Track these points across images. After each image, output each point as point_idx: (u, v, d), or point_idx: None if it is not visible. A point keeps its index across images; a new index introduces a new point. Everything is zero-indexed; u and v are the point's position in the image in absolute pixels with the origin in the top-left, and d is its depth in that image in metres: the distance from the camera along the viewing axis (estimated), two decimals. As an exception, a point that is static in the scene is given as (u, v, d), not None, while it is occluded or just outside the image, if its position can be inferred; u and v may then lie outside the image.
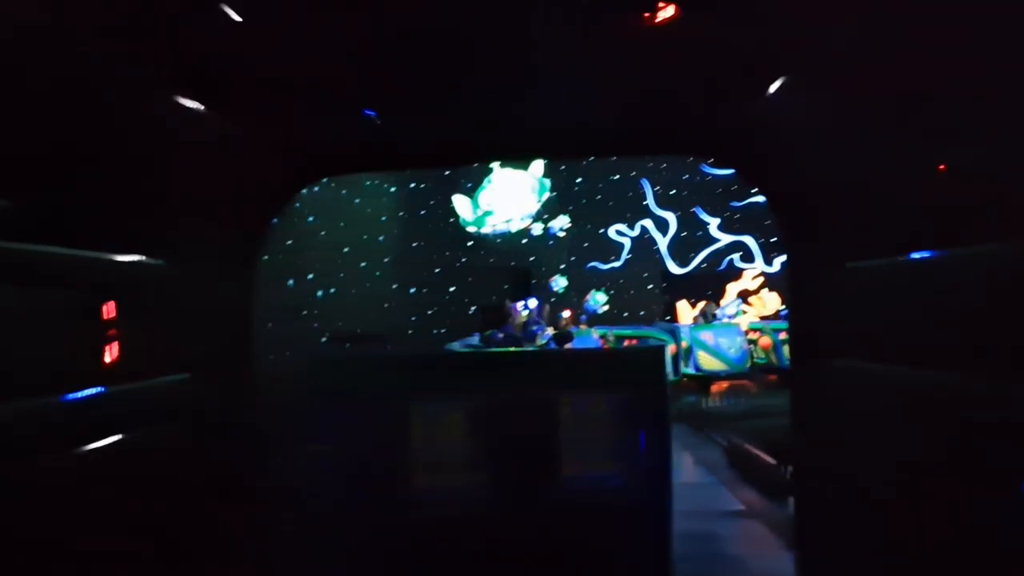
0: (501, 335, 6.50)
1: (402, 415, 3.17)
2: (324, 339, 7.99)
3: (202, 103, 2.39)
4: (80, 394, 2.16)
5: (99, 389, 2.23)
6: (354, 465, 3.17)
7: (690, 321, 15.42)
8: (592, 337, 12.16)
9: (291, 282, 7.54)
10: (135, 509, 2.31)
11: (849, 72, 2.12)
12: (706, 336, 12.93)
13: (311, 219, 8.44)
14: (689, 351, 12.78)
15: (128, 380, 2.35)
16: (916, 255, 2.11)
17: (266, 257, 7.24)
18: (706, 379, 12.82)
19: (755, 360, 13.17)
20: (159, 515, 2.45)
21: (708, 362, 12.76)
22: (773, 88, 2.37)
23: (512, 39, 2.23)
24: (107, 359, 2.34)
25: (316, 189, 8.68)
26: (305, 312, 8.10)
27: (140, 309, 2.44)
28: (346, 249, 9.87)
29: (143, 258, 2.52)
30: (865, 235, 2.38)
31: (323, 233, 8.76)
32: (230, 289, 3.11)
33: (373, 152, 3.38)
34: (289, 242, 7.54)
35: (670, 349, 12.62)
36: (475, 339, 7.72)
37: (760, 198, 12.76)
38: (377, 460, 3.18)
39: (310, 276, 8.21)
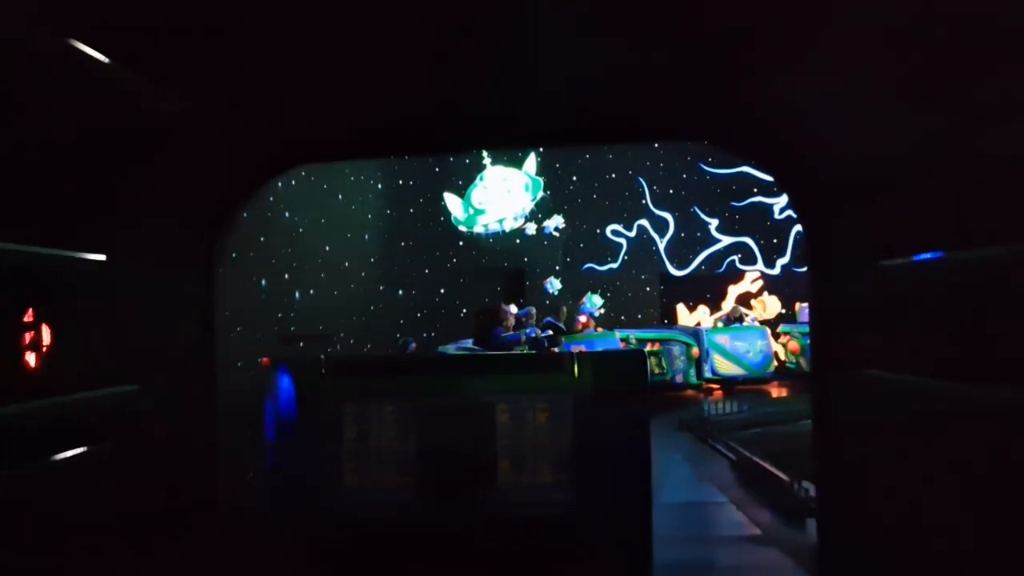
0: (497, 338, 6.11)
1: (336, 418, 3.10)
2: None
3: (152, 80, 2.17)
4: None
5: (20, 405, 2.07)
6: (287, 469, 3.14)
7: (699, 323, 15.21)
8: (615, 339, 11.67)
9: (264, 283, 6.93)
10: (61, 547, 2.11)
11: (880, 54, 1.96)
12: (722, 339, 12.55)
13: (287, 215, 7.83)
14: (707, 355, 12.45)
15: (56, 393, 2.20)
16: (958, 253, 1.95)
17: (233, 255, 6.65)
18: (724, 384, 12.42)
19: (786, 365, 12.63)
20: (87, 555, 2.22)
21: (724, 366, 12.37)
22: (794, 72, 2.22)
23: (508, 8, 2.02)
24: (29, 369, 2.14)
25: (293, 183, 8.09)
26: (281, 315, 7.48)
27: (73, 312, 2.25)
28: (328, 248, 9.28)
29: (79, 254, 2.37)
30: (899, 231, 2.23)
31: (301, 230, 8.16)
32: (186, 290, 2.93)
33: (349, 138, 3.19)
34: (262, 239, 6.93)
35: (693, 352, 12.21)
36: (469, 342, 7.32)
37: (761, 198, 12.44)
38: (309, 464, 3.11)
39: (286, 276, 7.59)
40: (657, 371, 11.85)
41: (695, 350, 12.29)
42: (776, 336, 13.20)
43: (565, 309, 12.11)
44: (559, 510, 2.99)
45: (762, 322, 14.50)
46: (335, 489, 3.16)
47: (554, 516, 3.00)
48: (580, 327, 11.95)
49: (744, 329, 12.76)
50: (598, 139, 5.04)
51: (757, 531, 5.37)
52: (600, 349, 11.07)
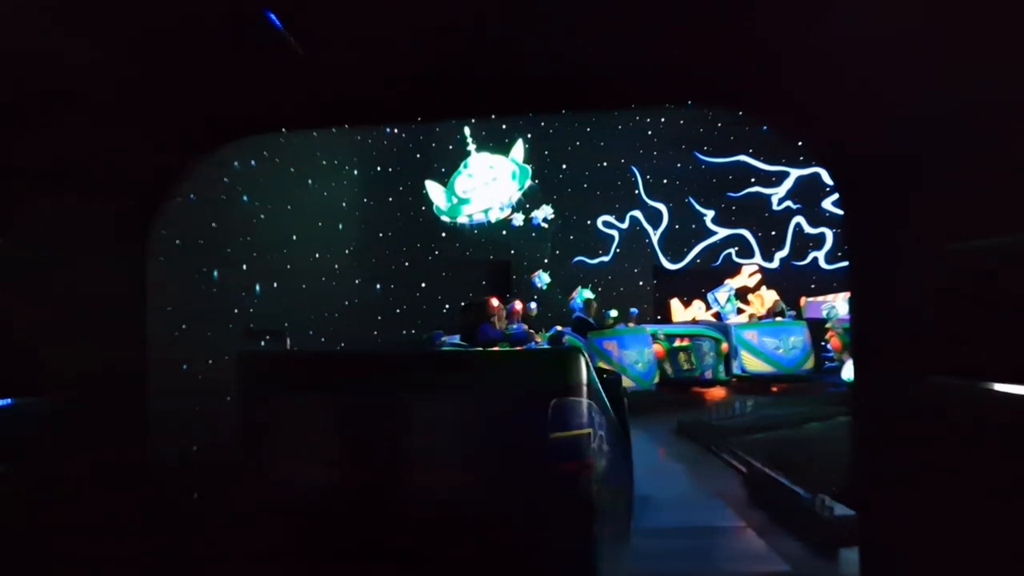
0: (489, 334, 5.86)
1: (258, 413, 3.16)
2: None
3: (60, 26, 1.90)
4: None
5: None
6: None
7: (691, 317, 14.95)
8: (646, 335, 11.35)
9: (216, 274, 6.07)
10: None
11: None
12: (750, 335, 12.18)
13: (246, 199, 6.97)
14: (735, 351, 12.17)
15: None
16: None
17: (177, 242, 5.77)
18: (754, 382, 12.09)
19: (825, 362, 12.15)
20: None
21: (753, 363, 11.99)
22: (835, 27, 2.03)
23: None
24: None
25: (253, 163, 7.22)
26: (238, 311, 6.62)
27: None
28: (295, 237, 8.42)
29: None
30: (963, 208, 1.98)
31: (263, 216, 7.30)
32: (111, 282, 2.69)
33: (306, 104, 2.94)
34: (214, 225, 6.07)
35: (722, 348, 11.95)
36: (456, 338, 6.83)
37: (758, 188, 11.65)
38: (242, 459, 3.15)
39: (244, 267, 6.73)
40: (686, 367, 11.75)
41: (724, 345, 12.02)
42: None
43: (595, 304, 11.64)
44: (470, 511, 2.92)
45: (759, 318, 14.11)
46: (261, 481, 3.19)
47: (463, 517, 2.92)
48: (609, 324, 11.48)
49: (777, 324, 12.25)
50: (602, 103, 4.46)
51: (785, 566, 4.61)
52: (629, 343, 10.91)
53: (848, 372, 10.63)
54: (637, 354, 10.79)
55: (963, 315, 2.01)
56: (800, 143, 3.13)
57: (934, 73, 1.97)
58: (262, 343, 6.81)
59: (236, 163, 6.75)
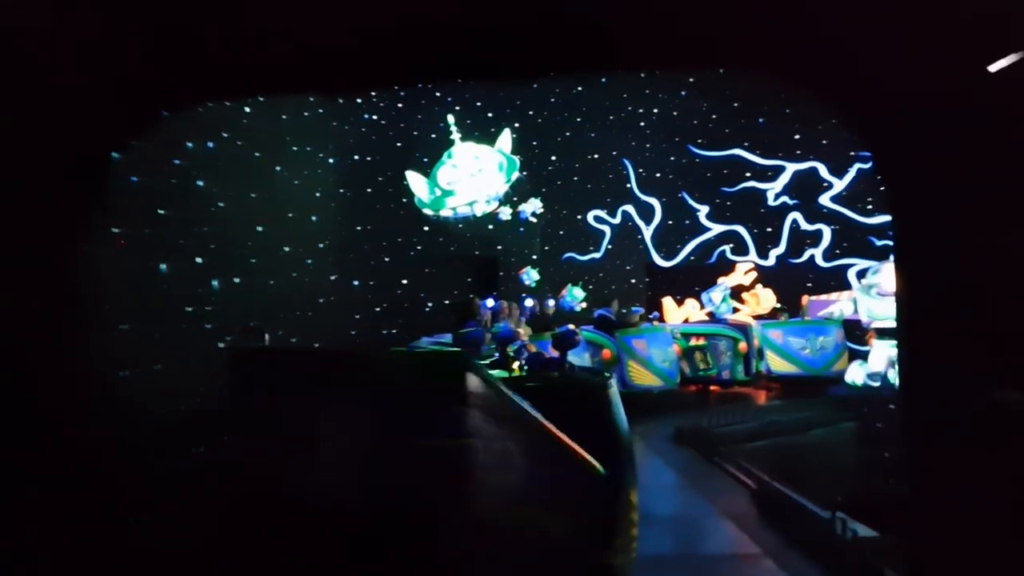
0: (472, 334, 5.49)
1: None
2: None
3: None
4: None
5: None
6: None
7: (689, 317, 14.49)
8: (667, 334, 11.28)
9: (163, 266, 5.35)
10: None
11: None
12: (775, 335, 11.87)
13: (202, 184, 6.25)
14: (760, 351, 11.99)
15: None
16: None
17: (116, 230, 5.12)
18: (785, 383, 11.92)
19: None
20: None
21: (778, 364, 11.73)
22: None
23: None
24: None
25: (211, 145, 6.51)
26: (192, 308, 5.90)
27: None
28: (261, 228, 7.71)
29: None
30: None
31: (222, 205, 6.59)
32: (37, 275, 2.48)
33: (266, 63, 2.69)
34: (162, 211, 5.34)
35: (740, 348, 11.71)
36: (447, 337, 7.00)
37: (754, 183, 11.24)
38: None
39: (198, 260, 6.01)
40: (702, 367, 11.65)
41: (742, 345, 11.73)
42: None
43: (616, 302, 11.64)
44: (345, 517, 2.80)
45: (756, 317, 13.68)
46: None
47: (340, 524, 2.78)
48: (636, 320, 11.31)
49: (805, 324, 11.89)
50: (620, 62, 4.06)
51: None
52: (655, 341, 10.80)
53: (852, 375, 10.11)
54: (663, 353, 10.66)
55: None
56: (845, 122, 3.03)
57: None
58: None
59: (190, 144, 6.03)
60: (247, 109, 7.27)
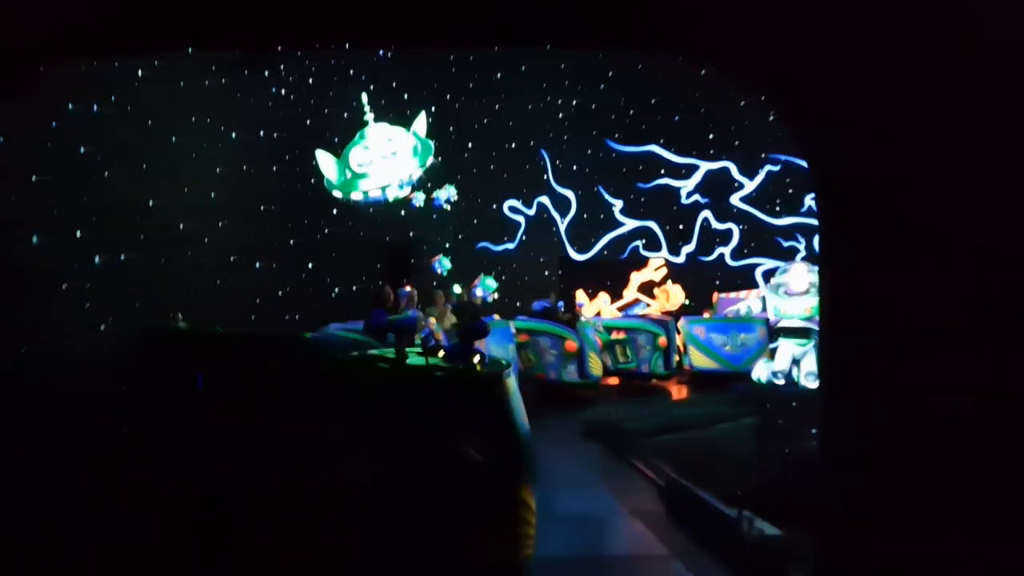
0: (379, 320, 5.40)
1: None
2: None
3: None
4: None
5: None
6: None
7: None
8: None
9: (35, 239, 4.80)
10: None
11: None
12: (698, 331, 12.04)
13: (83, 150, 5.68)
14: (684, 347, 12.19)
15: None
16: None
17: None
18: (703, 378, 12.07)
19: None
20: None
21: (700, 360, 11.91)
22: None
23: None
24: None
25: (96, 108, 5.94)
26: (67, 285, 5.35)
27: None
28: (152, 203, 7.12)
29: None
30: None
31: (107, 174, 6.02)
32: None
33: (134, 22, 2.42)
34: (34, 178, 4.79)
35: (660, 342, 11.84)
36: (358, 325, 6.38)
37: (668, 180, 11.46)
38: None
39: (79, 234, 5.46)
40: (622, 360, 11.80)
41: (662, 339, 11.86)
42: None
43: (554, 294, 11.89)
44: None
45: (665, 313, 13.84)
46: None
47: None
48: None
49: (727, 321, 11.92)
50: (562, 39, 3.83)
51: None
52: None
53: (758, 372, 10.24)
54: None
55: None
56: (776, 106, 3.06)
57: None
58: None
59: (71, 104, 5.44)
60: (140, 72, 6.67)
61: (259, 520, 3.10)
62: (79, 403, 4.09)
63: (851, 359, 2.47)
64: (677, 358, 12.15)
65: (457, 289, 11.38)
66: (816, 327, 9.26)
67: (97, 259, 5.87)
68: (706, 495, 5.50)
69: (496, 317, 10.61)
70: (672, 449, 7.00)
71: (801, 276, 9.68)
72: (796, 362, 9.55)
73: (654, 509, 5.69)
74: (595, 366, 10.86)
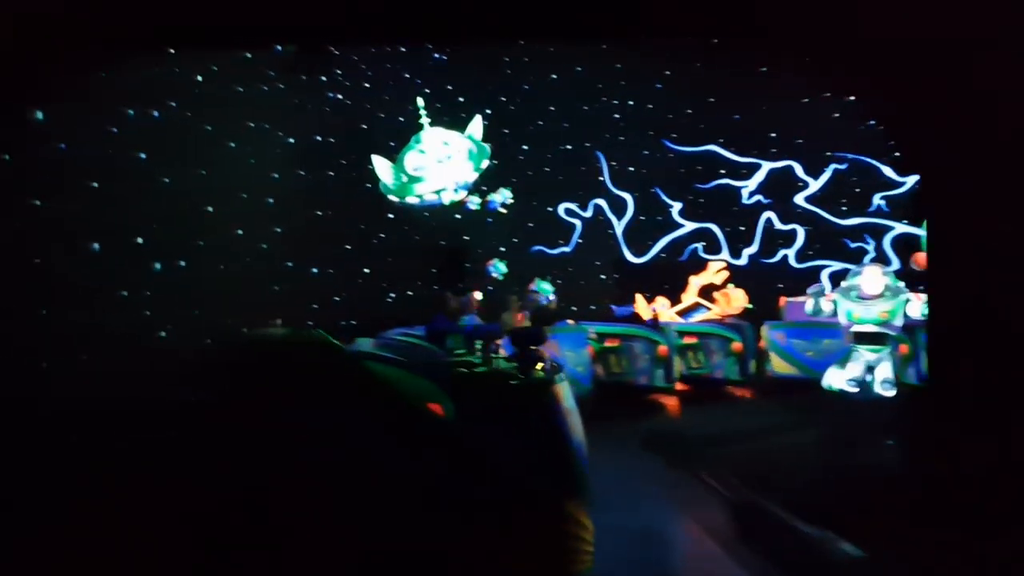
0: (440, 326, 5.47)
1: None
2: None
3: None
4: None
5: None
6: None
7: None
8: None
9: (96, 246, 4.74)
10: None
11: None
12: (779, 336, 11.57)
13: (144, 156, 5.64)
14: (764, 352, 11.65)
15: None
16: None
17: (37, 203, 4.50)
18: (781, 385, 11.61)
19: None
20: None
21: (781, 366, 11.36)
22: None
23: None
24: None
25: (156, 114, 5.91)
26: (127, 293, 5.29)
27: None
28: (210, 208, 7.09)
29: None
30: None
31: (167, 181, 5.98)
32: None
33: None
34: (94, 185, 4.74)
35: (734, 347, 11.57)
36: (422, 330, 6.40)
37: (728, 180, 11.17)
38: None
39: (139, 241, 5.40)
40: (694, 365, 11.44)
41: (736, 344, 11.57)
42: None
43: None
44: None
45: (726, 317, 13.42)
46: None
47: None
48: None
49: (810, 326, 11.36)
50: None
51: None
52: None
53: (830, 379, 9.78)
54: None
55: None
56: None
57: None
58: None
59: (130, 111, 5.40)
60: (198, 78, 6.64)
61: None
62: (137, 413, 3.98)
63: (963, 366, 2.37)
64: (754, 363, 11.74)
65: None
66: (893, 332, 8.84)
67: (158, 266, 5.81)
68: (782, 511, 5.21)
69: (570, 322, 10.70)
70: (742, 460, 6.74)
71: (875, 278, 9.19)
72: (871, 369, 9.09)
73: (725, 526, 5.39)
74: (679, 371, 10.89)
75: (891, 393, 8.64)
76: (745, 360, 11.51)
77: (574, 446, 3.34)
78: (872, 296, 9.17)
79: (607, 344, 10.52)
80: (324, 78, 11.00)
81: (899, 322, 8.86)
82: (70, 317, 4.66)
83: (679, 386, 11.34)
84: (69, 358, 4.52)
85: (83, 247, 4.95)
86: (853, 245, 14.34)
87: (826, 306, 9.35)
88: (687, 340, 11.59)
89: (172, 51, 3.26)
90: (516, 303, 9.93)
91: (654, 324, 11.52)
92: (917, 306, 8.65)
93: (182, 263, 6.29)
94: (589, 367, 9.77)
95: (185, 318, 6.08)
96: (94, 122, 5.10)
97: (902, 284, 9.04)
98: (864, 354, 9.15)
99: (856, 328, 9.21)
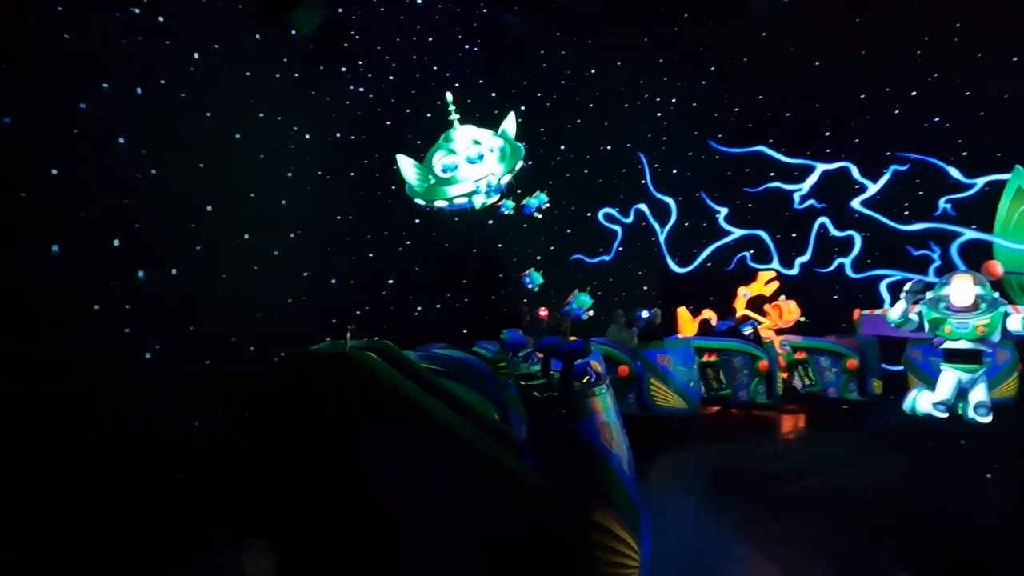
0: (517, 341, 5.62)
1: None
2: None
3: None
4: None
5: None
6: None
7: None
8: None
9: (56, 248, 3.82)
10: None
11: None
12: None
13: (123, 141, 4.74)
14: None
15: None
16: None
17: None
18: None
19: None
20: None
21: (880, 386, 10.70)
22: None
23: None
24: None
25: (139, 91, 5.03)
26: (99, 307, 4.35)
27: None
28: (210, 208, 6.21)
29: None
30: None
31: (154, 172, 5.08)
32: None
33: None
34: (54, 172, 3.83)
35: (760, 366, 10.69)
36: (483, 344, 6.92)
37: (778, 184, 9.86)
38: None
39: (115, 243, 4.49)
40: (715, 386, 10.71)
41: (763, 363, 10.72)
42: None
43: (657, 311, 11.38)
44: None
45: (778, 331, 12.51)
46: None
47: None
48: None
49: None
50: None
51: None
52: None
53: (915, 403, 8.71)
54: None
55: None
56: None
57: None
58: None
59: (106, 85, 4.50)
60: (195, 55, 5.74)
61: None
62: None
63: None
64: (878, 383, 10.93)
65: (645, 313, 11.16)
66: (989, 350, 7.75)
67: (141, 274, 4.89)
68: (884, 560, 4.56)
69: (679, 336, 10.65)
70: (823, 499, 6.06)
71: (966, 288, 8.08)
72: (963, 391, 8.00)
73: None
74: (780, 387, 10.60)
75: (987, 420, 7.63)
76: (772, 380, 10.82)
77: (608, 459, 3.31)
78: (963, 308, 8.05)
79: (705, 358, 10.41)
80: (344, 69, 10.21)
81: (996, 337, 7.76)
82: (26, 338, 3.75)
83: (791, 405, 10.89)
84: (29, 385, 3.61)
85: (37, 249, 4.05)
86: (917, 253, 13.38)
87: (915, 315, 8.28)
88: (706, 357, 10.94)
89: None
90: (621, 317, 10.06)
91: (756, 338, 11.07)
92: (1017, 319, 7.52)
93: (176, 272, 5.39)
94: (699, 381, 9.83)
95: (176, 338, 5.18)
96: (56, 95, 4.20)
97: (997, 294, 7.93)
98: (955, 375, 8.05)
99: (947, 345, 8.11)
